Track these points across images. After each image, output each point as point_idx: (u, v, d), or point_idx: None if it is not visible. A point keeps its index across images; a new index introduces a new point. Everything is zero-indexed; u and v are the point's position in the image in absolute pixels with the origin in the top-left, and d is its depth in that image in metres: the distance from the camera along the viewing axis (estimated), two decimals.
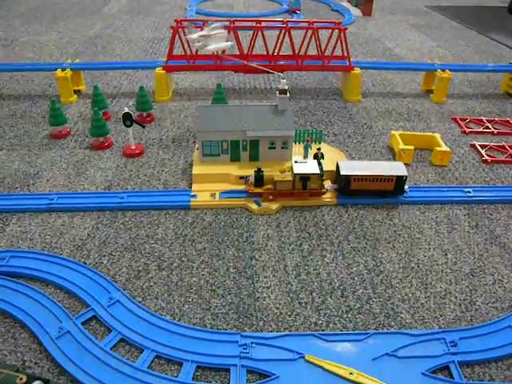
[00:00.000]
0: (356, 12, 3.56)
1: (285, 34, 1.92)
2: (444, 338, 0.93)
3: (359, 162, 1.48)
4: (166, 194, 1.37)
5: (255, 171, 1.31)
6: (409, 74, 2.33)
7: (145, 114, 1.83)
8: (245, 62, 1.74)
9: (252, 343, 0.92)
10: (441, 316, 1.00)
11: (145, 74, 2.28)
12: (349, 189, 1.33)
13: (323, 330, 0.96)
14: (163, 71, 1.96)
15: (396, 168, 1.34)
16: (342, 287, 1.07)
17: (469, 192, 1.40)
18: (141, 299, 1.03)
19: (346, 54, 1.98)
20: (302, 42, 1.95)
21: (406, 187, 1.35)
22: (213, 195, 1.35)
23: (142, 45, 2.76)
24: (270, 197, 1.31)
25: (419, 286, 1.08)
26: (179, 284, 1.07)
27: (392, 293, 1.06)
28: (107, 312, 0.99)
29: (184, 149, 1.63)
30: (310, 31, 1.93)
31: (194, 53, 1.95)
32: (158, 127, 1.79)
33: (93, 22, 3.24)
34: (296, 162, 1.33)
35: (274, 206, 1.30)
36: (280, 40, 1.93)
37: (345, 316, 0.99)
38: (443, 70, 2.01)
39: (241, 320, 0.98)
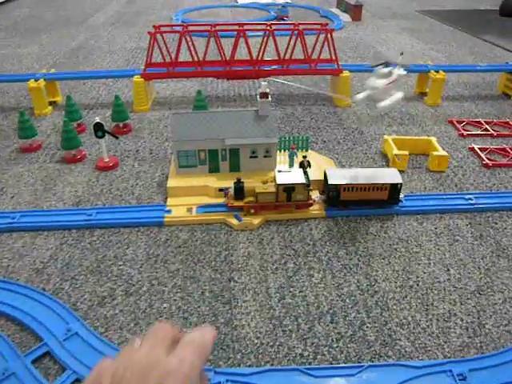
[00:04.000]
0: (345, 17, 3.47)
1: (268, 37, 1.81)
2: (451, 370, 0.81)
3: (349, 169, 1.37)
4: (139, 210, 1.25)
5: (235, 182, 1.18)
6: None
7: (121, 124, 1.72)
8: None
9: (227, 381, 0.79)
10: (445, 343, 0.88)
11: (125, 84, 2.16)
12: (338, 199, 1.21)
13: (310, 363, 0.83)
14: (141, 79, 1.85)
15: (390, 175, 1.22)
16: (331, 311, 0.94)
17: (470, 199, 1.28)
18: (103, 330, 0.91)
19: (333, 57, 1.87)
20: (288, 45, 1.84)
21: (402, 196, 1.23)
22: (189, 210, 1.22)
23: (124, 55, 2.65)
24: (252, 210, 1.19)
25: (419, 308, 0.95)
26: (148, 311, 0.95)
27: (389, 316, 0.93)
28: (62, 347, 0.86)
29: (161, 160, 1.51)
30: (295, 35, 1.81)
31: (173, 59, 1.83)
32: (135, 138, 1.67)
33: (76, 33, 3.13)
34: (279, 171, 1.21)
35: (256, 220, 1.18)
36: (264, 43, 1.81)
37: (335, 345, 0.87)
38: (437, 71, 1.90)
39: (215, 353, 0.85)
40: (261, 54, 1.85)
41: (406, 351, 0.86)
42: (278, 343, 0.87)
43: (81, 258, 1.09)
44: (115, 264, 1.07)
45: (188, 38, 1.80)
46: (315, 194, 1.24)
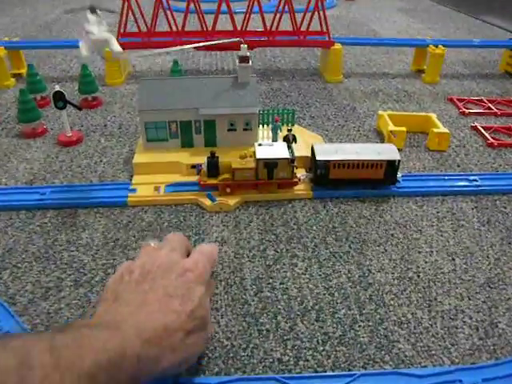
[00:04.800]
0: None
1: (253, 4, 1.65)
2: (461, 381, 0.66)
3: (340, 144, 1.21)
4: (100, 189, 1.09)
5: (208, 157, 1.03)
6: (396, 55, 2.08)
7: (90, 97, 1.55)
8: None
9: None
10: (452, 346, 0.73)
11: (99, 57, 1.98)
12: (327, 178, 1.06)
13: (290, 371, 0.68)
14: None
15: (386, 151, 1.07)
16: (317, 307, 0.79)
17: (475, 180, 1.14)
18: (43, 328, 0.75)
19: (324, 29, 1.71)
20: (275, 15, 1.67)
21: (399, 175, 1.09)
22: (157, 189, 1.07)
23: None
24: (228, 189, 1.03)
25: (421, 303, 0.80)
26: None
27: (385, 313, 0.78)
28: None
29: (131, 135, 1.35)
30: (282, 4, 1.65)
31: (149, 29, 1.67)
32: (105, 112, 1.51)
33: (53, 6, 2.94)
34: (260, 144, 1.05)
35: (232, 201, 1.02)
36: (248, 13, 1.65)
37: (321, 349, 0.72)
38: (436, 46, 1.75)
39: None
40: (245, 24, 1.69)
41: (405, 356, 0.71)
42: (252, 346, 0.72)
43: (27, 243, 0.94)
44: (67, 250, 0.92)
45: (164, 7, 1.64)
46: (301, 172, 1.09)
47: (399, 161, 1.05)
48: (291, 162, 1.01)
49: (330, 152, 1.05)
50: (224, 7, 1.60)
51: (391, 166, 1.05)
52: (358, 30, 2.49)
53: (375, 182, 1.07)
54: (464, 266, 0.89)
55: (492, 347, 0.73)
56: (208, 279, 0.65)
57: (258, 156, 1.01)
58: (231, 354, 0.71)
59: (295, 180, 1.05)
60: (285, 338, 0.73)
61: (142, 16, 1.67)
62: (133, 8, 1.65)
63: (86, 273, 0.86)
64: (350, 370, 0.68)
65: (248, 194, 1.04)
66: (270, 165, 1.01)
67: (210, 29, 1.69)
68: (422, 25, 2.68)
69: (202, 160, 1.05)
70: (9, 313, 0.77)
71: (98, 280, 0.85)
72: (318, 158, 1.04)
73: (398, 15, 2.91)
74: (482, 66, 2.01)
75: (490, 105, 1.59)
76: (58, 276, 0.86)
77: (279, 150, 1.03)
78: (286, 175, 1.03)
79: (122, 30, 1.69)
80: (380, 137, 1.34)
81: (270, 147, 1.04)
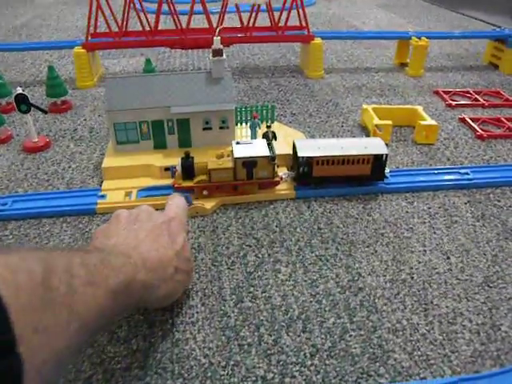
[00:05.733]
0: None
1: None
2: None
3: (323, 139, 1.14)
4: (67, 196, 1.01)
5: (182, 158, 0.95)
6: (378, 49, 2.02)
7: (59, 101, 1.47)
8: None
9: None
10: (453, 353, 0.66)
11: (70, 60, 1.91)
12: (310, 176, 0.99)
13: None
14: (83, 50, 1.60)
15: (373, 145, 1.00)
16: (303, 316, 0.72)
17: (466, 174, 1.08)
18: None
19: (303, 24, 1.65)
20: (251, 11, 1.61)
21: (387, 170, 1.02)
22: (128, 194, 0.99)
23: (73, 32, 2.38)
24: (205, 192, 0.96)
25: (416, 308, 0.74)
26: None
27: (378, 320, 0.72)
28: None
29: (102, 139, 1.28)
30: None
31: (122, 28, 1.59)
32: (75, 116, 1.43)
33: (22, 11, 2.85)
34: (238, 143, 0.98)
35: (209, 204, 0.95)
36: (224, 10, 1.58)
37: (309, 363, 0.65)
38: (419, 38, 1.70)
39: (148, 379, 0.63)
40: (221, 21, 1.62)
41: (402, 367, 0.64)
42: (232, 363, 0.65)
43: None
44: None
45: (136, 6, 1.57)
46: (283, 171, 1.02)
47: (387, 155, 0.99)
48: (272, 160, 0.94)
49: (312, 148, 0.98)
50: (199, 7, 1.53)
51: (378, 161, 0.99)
52: (338, 27, 2.43)
53: (362, 178, 1.00)
54: (460, 264, 0.83)
55: (496, 353, 0.67)
56: (185, 227, 0.74)
57: (235, 155, 0.93)
58: (209, 374, 0.63)
59: (277, 179, 0.98)
60: (268, 352, 0.66)
61: (113, 15, 1.60)
62: (102, 8, 1.57)
63: None
64: None
65: (226, 197, 0.97)
66: (249, 164, 0.94)
67: (184, 27, 1.62)
68: (403, 20, 2.64)
69: (177, 162, 0.98)
70: None
71: None
72: (300, 154, 0.97)
73: (378, 11, 2.86)
74: (466, 59, 1.96)
75: (476, 96, 1.53)
76: None
77: (258, 148, 0.95)
78: (266, 174, 0.96)
79: (92, 31, 1.61)
80: (365, 132, 1.28)
81: (248, 145, 0.96)
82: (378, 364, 0.65)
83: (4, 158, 1.20)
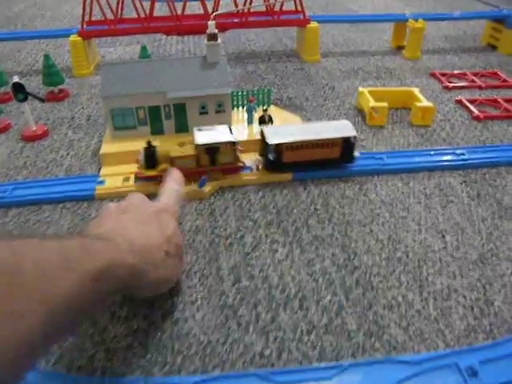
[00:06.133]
0: None
1: None
2: (457, 364, 0.61)
3: (292, 125, 1.12)
4: (66, 183, 1.02)
5: (145, 147, 0.95)
6: (375, 32, 2.02)
7: (56, 89, 1.47)
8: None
9: None
10: (447, 327, 0.68)
11: (66, 50, 1.91)
12: (280, 162, 0.98)
13: (273, 365, 0.62)
14: (79, 38, 1.60)
15: (341, 128, 1.00)
16: (300, 294, 0.73)
17: (462, 154, 1.09)
18: None
19: (299, 8, 1.65)
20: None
21: (357, 153, 1.02)
22: (126, 179, 1.00)
23: (69, 22, 2.37)
24: None
25: (411, 285, 0.75)
26: None
27: (373, 297, 0.73)
28: None
29: (100, 126, 1.28)
30: None
31: (116, 16, 1.59)
32: (72, 104, 1.43)
33: (17, 1, 2.84)
34: (200, 129, 0.97)
35: (207, 187, 0.96)
36: None
37: (305, 339, 0.66)
38: (416, 20, 1.69)
39: (149, 356, 0.64)
40: (216, 5, 1.61)
41: (397, 342, 0.66)
42: (231, 340, 0.66)
43: None
44: None
45: None
46: (254, 157, 1.02)
47: (355, 137, 0.98)
48: (233, 144, 0.94)
49: (282, 134, 0.97)
50: None
51: (347, 144, 0.98)
52: (335, 11, 2.42)
53: (331, 161, 1.00)
54: (455, 242, 0.84)
55: (488, 327, 0.68)
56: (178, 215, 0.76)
57: (197, 141, 0.93)
58: (208, 351, 0.65)
59: (240, 164, 0.98)
60: (266, 329, 0.68)
61: (108, 3, 1.60)
62: None
63: None
64: (337, 361, 0.63)
65: (223, 180, 0.98)
66: (212, 150, 0.93)
67: (179, 13, 1.61)
68: (400, 2, 2.62)
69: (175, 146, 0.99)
70: None
71: None
72: (268, 141, 0.95)
73: None
74: (463, 40, 1.96)
75: (473, 78, 1.54)
76: None
77: (220, 134, 0.95)
78: (229, 160, 0.96)
79: (87, 19, 1.61)
80: (361, 114, 1.29)
81: (210, 131, 0.95)
82: (373, 339, 0.66)
83: (3, 146, 1.21)
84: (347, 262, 0.80)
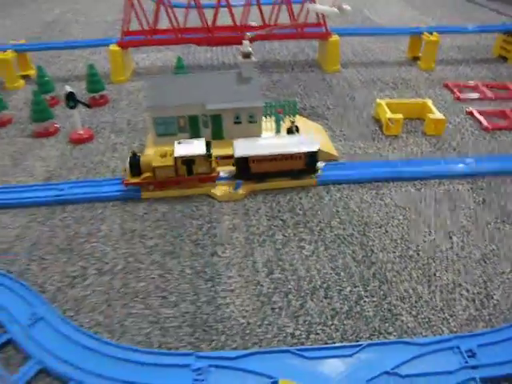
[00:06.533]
0: None
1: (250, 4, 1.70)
2: (458, 347, 0.72)
3: (262, 138, 1.22)
4: (114, 183, 1.15)
5: (130, 157, 1.08)
6: (392, 42, 2.12)
7: (97, 95, 1.61)
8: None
9: (210, 366, 0.70)
10: (451, 316, 0.79)
11: (102, 56, 2.04)
12: (249, 172, 1.10)
13: (302, 344, 0.75)
14: (118, 48, 1.73)
15: (306, 143, 1.11)
16: (325, 285, 0.85)
17: (471, 163, 1.19)
18: (72, 313, 0.82)
19: (321, 21, 1.76)
20: (272, 9, 1.72)
21: (321, 164, 1.14)
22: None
23: (103, 27, 2.52)
24: (151, 187, 1.09)
25: (421, 279, 0.87)
26: (122, 291, 0.86)
27: (388, 289, 0.85)
28: (27, 334, 0.77)
29: (140, 131, 1.41)
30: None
31: (151, 26, 1.72)
32: (112, 109, 1.57)
33: (51, 7, 2.99)
34: (179, 142, 1.10)
35: (241, 190, 1.08)
36: (247, 9, 1.70)
37: (330, 323, 0.78)
38: (430, 33, 1.80)
39: (197, 335, 0.77)
40: (245, 18, 1.73)
41: (408, 327, 0.77)
42: (266, 322, 0.79)
43: (50, 236, 1.00)
44: (88, 241, 0.98)
45: (166, 5, 1.68)
46: (227, 168, 1.14)
47: (317, 152, 1.09)
48: (208, 157, 1.06)
49: (249, 148, 1.09)
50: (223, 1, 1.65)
51: (311, 157, 1.09)
52: (353, 19, 2.52)
53: (297, 172, 1.11)
54: (461, 243, 0.95)
55: (488, 317, 0.80)
56: None
57: (175, 154, 1.06)
58: (247, 331, 0.77)
59: (214, 174, 1.09)
60: (296, 314, 0.80)
61: (144, 14, 1.72)
62: (135, 7, 1.69)
63: (108, 262, 0.93)
64: (357, 341, 0.75)
65: (255, 184, 1.10)
66: (188, 161, 1.06)
67: (210, 24, 1.73)
68: (416, 11, 2.72)
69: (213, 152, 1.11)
70: (41, 300, 0.83)
71: (119, 268, 0.91)
72: (236, 154, 1.07)
73: (391, 1, 2.94)
74: (476, 51, 2.06)
75: (484, 89, 1.64)
76: (82, 266, 0.92)
77: (197, 147, 1.07)
78: (204, 170, 1.08)
79: (125, 29, 1.73)
80: (378, 124, 1.40)
81: (188, 145, 1.08)
82: (387, 324, 0.78)
83: (54, 148, 1.34)
84: (365, 258, 0.92)
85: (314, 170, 1.12)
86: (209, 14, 1.71)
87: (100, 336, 0.77)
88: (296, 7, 1.74)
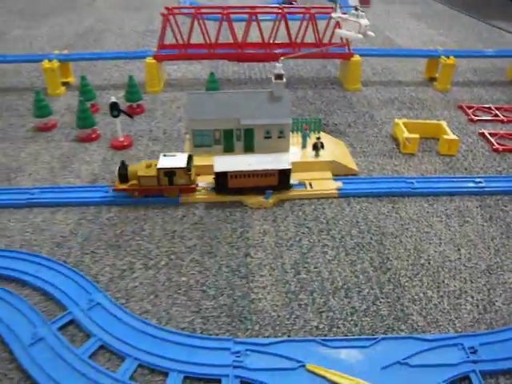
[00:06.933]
0: (353, 1, 3.44)
1: (280, 20, 1.82)
2: (462, 344, 0.83)
3: (239, 156, 1.31)
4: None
5: (119, 167, 1.21)
6: (410, 63, 2.23)
7: (134, 104, 1.73)
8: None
9: (246, 350, 0.82)
10: (456, 318, 0.90)
11: (136, 66, 2.17)
12: (226, 187, 1.21)
13: (325, 335, 0.86)
14: (154, 61, 1.86)
15: (279, 161, 1.21)
16: (345, 286, 0.97)
17: (480, 182, 1.30)
18: (124, 301, 0.94)
19: (344, 41, 1.88)
20: (299, 29, 1.85)
21: (295, 181, 1.24)
22: (203, 189, 1.25)
23: (134, 37, 2.66)
24: (136, 193, 1.22)
25: (431, 285, 0.98)
26: (167, 284, 0.98)
27: (401, 292, 0.96)
28: (86, 316, 0.89)
29: (175, 140, 1.53)
30: (306, 19, 1.82)
31: (186, 41, 1.85)
32: (148, 118, 1.69)
33: (84, 16, 3.13)
34: (164, 155, 1.22)
35: (271, 199, 1.20)
36: (276, 27, 1.82)
37: (349, 319, 0.90)
38: (447, 57, 1.91)
39: (234, 324, 0.88)
40: (272, 37, 1.86)
41: (418, 325, 0.89)
42: (294, 316, 0.90)
43: (100, 233, 1.12)
44: (133, 239, 1.10)
45: (200, 21, 1.81)
46: (206, 180, 1.25)
47: (290, 169, 1.19)
48: (188, 170, 1.18)
49: (228, 164, 1.20)
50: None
51: (284, 174, 1.20)
52: (373, 39, 2.63)
53: (271, 188, 1.21)
54: (468, 255, 1.06)
55: (489, 320, 0.90)
56: None
57: (158, 166, 1.19)
58: (278, 322, 0.89)
59: (193, 186, 1.22)
60: (320, 310, 0.91)
61: (179, 29, 1.84)
62: (171, 23, 1.82)
63: (153, 258, 1.04)
64: (373, 335, 0.86)
65: (283, 194, 1.22)
66: (169, 173, 1.19)
67: (240, 40, 1.86)
68: (433, 31, 2.83)
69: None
70: (96, 288, 0.95)
71: (163, 264, 1.03)
72: (215, 169, 1.19)
73: (410, 21, 3.05)
74: (491, 73, 2.16)
75: (497, 112, 1.74)
76: (129, 260, 1.04)
77: (178, 161, 1.20)
78: (184, 182, 1.20)
79: (161, 43, 1.86)
80: (396, 142, 1.51)
81: (171, 158, 1.21)
82: (400, 322, 0.89)
83: (97, 153, 1.47)
84: (381, 264, 1.03)
85: (287, 187, 1.23)
86: (236, 26, 1.82)
87: (149, 321, 0.88)
88: (320, 23, 1.85)
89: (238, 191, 1.22)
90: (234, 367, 0.79)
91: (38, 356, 0.82)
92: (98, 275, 1.00)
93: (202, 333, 0.87)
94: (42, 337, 0.84)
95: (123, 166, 1.21)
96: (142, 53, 1.97)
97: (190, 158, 1.22)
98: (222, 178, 1.20)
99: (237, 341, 0.84)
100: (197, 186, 1.23)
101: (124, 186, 1.22)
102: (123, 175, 1.21)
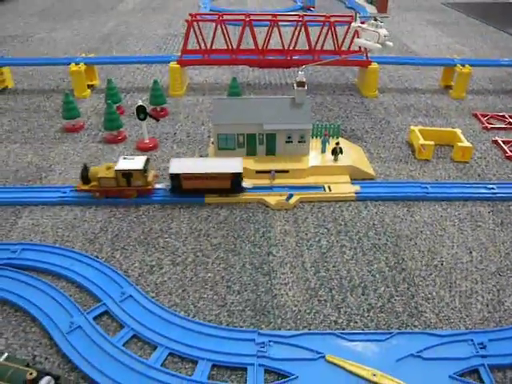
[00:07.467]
0: (371, 9, 3.51)
1: (301, 28, 1.89)
2: (472, 340, 0.89)
3: (195, 159, 1.38)
4: None
5: (82, 168, 1.28)
6: (426, 70, 2.28)
7: (158, 108, 1.81)
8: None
9: (270, 341, 0.88)
10: (467, 316, 0.96)
11: (158, 70, 2.25)
12: (181, 188, 1.27)
13: (344, 329, 0.92)
14: (177, 65, 1.93)
15: (232, 165, 1.26)
16: (362, 285, 1.02)
17: (492, 188, 1.35)
18: (154, 295, 1.00)
19: (363, 49, 1.93)
20: (319, 36, 1.91)
21: (249, 185, 1.29)
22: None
23: (155, 41, 2.74)
24: (97, 194, 1.28)
25: (443, 285, 1.03)
26: (194, 280, 1.04)
27: (415, 291, 1.01)
28: (119, 307, 0.96)
29: (198, 143, 1.60)
30: (325, 27, 1.89)
31: (208, 47, 1.91)
32: (172, 121, 1.76)
33: (106, 19, 3.23)
34: (125, 158, 1.29)
35: (292, 201, 1.26)
36: (296, 35, 1.89)
37: (366, 315, 0.95)
38: (463, 65, 1.96)
39: (258, 317, 0.94)
40: (293, 44, 1.92)
41: (431, 322, 0.94)
42: (314, 311, 0.96)
43: (129, 231, 1.19)
44: (161, 236, 1.17)
45: (223, 27, 1.88)
46: (162, 183, 1.32)
47: (241, 173, 1.25)
48: (144, 172, 1.25)
49: (183, 166, 1.26)
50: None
51: (236, 177, 1.25)
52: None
53: (224, 190, 1.27)
54: (479, 257, 1.11)
55: (498, 319, 0.96)
56: None
57: (116, 167, 1.25)
58: (299, 317, 0.95)
59: (150, 187, 1.28)
60: (338, 306, 0.97)
61: (202, 35, 1.91)
62: (195, 29, 1.89)
63: (180, 255, 1.11)
64: (388, 330, 0.91)
65: (304, 195, 1.28)
66: (127, 175, 1.25)
67: (261, 47, 1.92)
68: (450, 39, 2.87)
69: (265, 166, 1.30)
70: (127, 281, 1.02)
71: (190, 260, 1.09)
72: (170, 171, 1.25)
73: (427, 28, 3.10)
74: (506, 82, 2.20)
75: (510, 120, 1.79)
76: (158, 257, 1.10)
77: (136, 163, 1.26)
78: (141, 183, 1.27)
79: (185, 48, 1.93)
80: (411, 149, 1.56)
81: (130, 160, 1.27)
82: (413, 319, 0.95)
83: (124, 154, 1.53)
84: (397, 264, 1.08)
85: (240, 190, 1.28)
86: (257, 31, 1.89)
87: (178, 313, 0.95)
88: (338, 29, 1.91)
89: (192, 192, 1.28)
90: (259, 357, 0.85)
91: (76, 343, 0.88)
92: (129, 270, 1.06)
93: (227, 325, 0.93)
94: (79, 325, 0.91)
95: (85, 169, 1.28)
96: (167, 57, 2.04)
97: (147, 161, 1.29)
98: (176, 180, 1.27)
99: (261, 333, 0.90)
100: (153, 187, 1.30)
101: (85, 187, 1.29)
102: (85, 177, 1.28)
